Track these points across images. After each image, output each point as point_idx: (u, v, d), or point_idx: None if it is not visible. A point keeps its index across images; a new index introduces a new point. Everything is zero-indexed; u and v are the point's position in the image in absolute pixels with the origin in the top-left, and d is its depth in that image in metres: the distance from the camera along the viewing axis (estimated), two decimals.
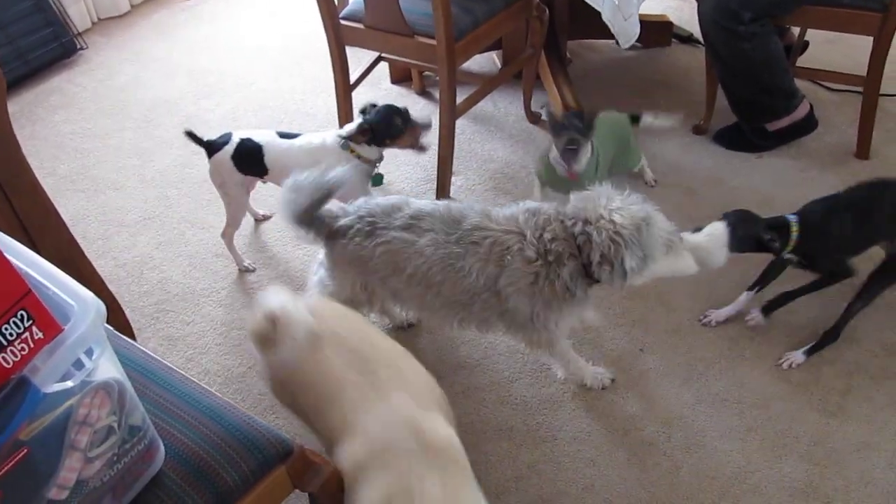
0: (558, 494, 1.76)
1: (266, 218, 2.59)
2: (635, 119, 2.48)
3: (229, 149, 2.21)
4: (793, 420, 1.88)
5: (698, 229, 1.87)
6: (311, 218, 1.77)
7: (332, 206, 1.83)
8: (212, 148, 2.22)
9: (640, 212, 1.68)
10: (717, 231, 1.85)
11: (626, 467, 1.80)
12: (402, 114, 2.16)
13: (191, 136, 2.21)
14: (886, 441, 1.81)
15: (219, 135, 2.24)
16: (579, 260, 1.68)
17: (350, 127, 2.18)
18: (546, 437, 1.88)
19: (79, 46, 3.70)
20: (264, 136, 2.23)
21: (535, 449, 1.86)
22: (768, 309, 2.09)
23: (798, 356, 2.00)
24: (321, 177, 1.73)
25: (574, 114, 2.28)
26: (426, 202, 1.81)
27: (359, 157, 2.18)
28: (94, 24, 3.97)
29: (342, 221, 1.78)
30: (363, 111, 2.20)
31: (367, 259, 1.75)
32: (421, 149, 2.24)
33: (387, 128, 2.15)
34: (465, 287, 1.72)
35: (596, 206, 1.68)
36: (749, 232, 1.92)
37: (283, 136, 2.24)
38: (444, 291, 1.74)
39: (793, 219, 1.96)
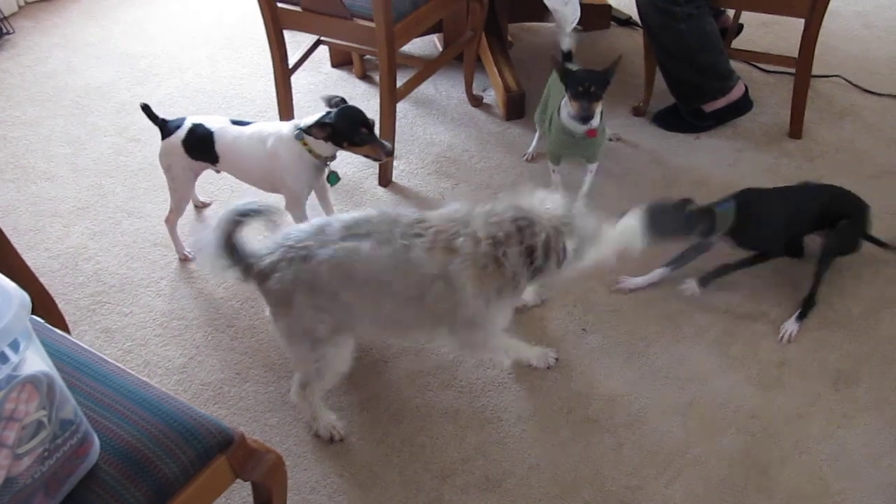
0: (505, 475, 1.77)
1: (205, 205, 2.54)
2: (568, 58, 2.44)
3: (181, 133, 2.15)
4: (731, 394, 1.92)
5: (623, 214, 1.91)
6: (230, 250, 1.70)
7: (257, 246, 1.75)
8: (166, 129, 2.17)
9: (569, 207, 1.76)
10: (629, 227, 1.89)
11: (570, 445, 1.83)
12: (370, 126, 2.06)
13: (147, 111, 2.17)
14: (819, 412, 1.87)
15: (173, 118, 2.20)
16: (525, 245, 1.69)
17: (309, 119, 2.07)
18: (491, 418, 1.89)
19: (5, 31, 3.56)
20: (217, 123, 2.17)
21: (480, 430, 1.87)
22: (705, 280, 2.14)
23: (793, 325, 2.07)
24: (233, 207, 1.67)
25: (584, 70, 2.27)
26: (347, 215, 1.77)
27: (310, 151, 2.09)
28: (20, 7, 3.82)
29: (268, 259, 1.70)
30: (329, 102, 2.10)
31: (311, 281, 1.67)
32: (376, 160, 2.16)
33: (350, 133, 2.04)
34: (417, 278, 1.68)
35: (528, 201, 1.74)
36: (672, 226, 2.01)
37: (235, 123, 2.19)
38: (396, 289, 1.69)
39: (724, 207, 2.06)
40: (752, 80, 2.95)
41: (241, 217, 1.68)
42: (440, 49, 3.21)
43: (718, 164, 2.64)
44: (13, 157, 2.84)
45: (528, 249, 1.70)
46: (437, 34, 3.25)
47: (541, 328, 2.10)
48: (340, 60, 3.25)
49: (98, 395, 1.21)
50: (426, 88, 3.06)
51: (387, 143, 2.08)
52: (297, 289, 1.68)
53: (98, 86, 3.22)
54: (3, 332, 0.87)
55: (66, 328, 1.85)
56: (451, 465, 1.80)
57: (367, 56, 3.13)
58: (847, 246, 2.17)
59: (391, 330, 1.86)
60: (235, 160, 2.19)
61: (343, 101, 2.08)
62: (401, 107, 2.57)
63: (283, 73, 2.64)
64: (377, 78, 3.00)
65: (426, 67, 2.68)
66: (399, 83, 2.50)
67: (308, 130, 2.04)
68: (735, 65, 2.76)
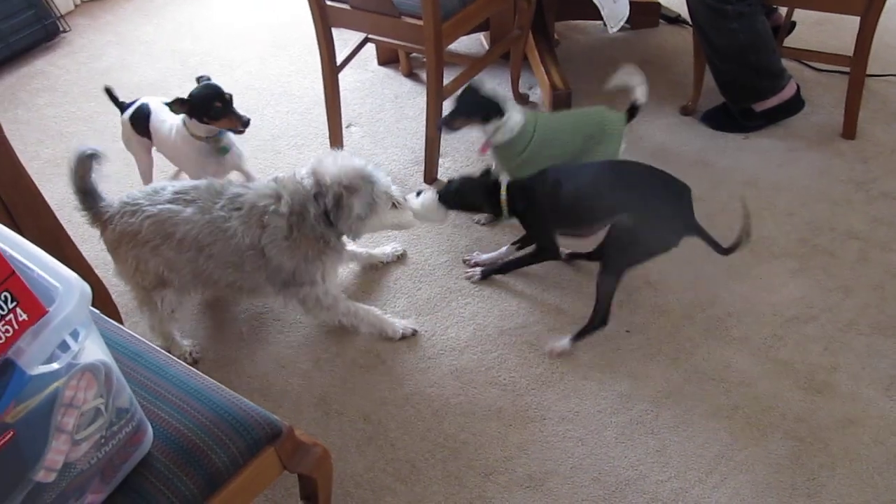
0: (548, 474, 1.77)
1: None
2: (632, 114, 2.25)
3: (130, 111, 2.41)
4: (778, 398, 1.89)
5: (419, 193, 2.12)
6: (84, 195, 1.89)
7: (113, 199, 1.94)
8: (122, 109, 2.45)
9: (363, 167, 1.95)
10: (427, 201, 2.10)
11: (614, 446, 1.82)
12: (225, 99, 2.19)
13: (108, 94, 2.45)
14: (871, 418, 1.83)
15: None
16: (321, 204, 1.89)
17: (171, 99, 2.21)
18: (535, 417, 1.89)
19: (62, 29, 3.66)
20: (155, 106, 2.38)
21: (523, 429, 1.87)
22: (487, 273, 2.25)
23: (564, 343, 2.02)
24: (80, 148, 1.86)
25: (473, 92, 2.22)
26: (189, 181, 1.98)
27: (191, 133, 2.25)
28: (76, 6, 3.92)
29: (109, 211, 1.90)
30: (198, 80, 2.25)
31: (135, 232, 1.87)
32: (238, 132, 2.27)
33: (204, 107, 2.18)
34: (233, 247, 1.87)
35: (325, 164, 1.92)
36: (468, 199, 2.11)
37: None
38: (214, 253, 1.88)
39: (504, 180, 2.08)
40: (803, 78, 2.90)
41: (88, 158, 1.86)
42: (487, 47, 3.21)
43: (768, 165, 2.60)
44: (69, 151, 2.89)
45: (324, 214, 1.90)
46: (483, 32, 3.25)
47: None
48: (387, 58, 3.26)
49: (151, 384, 1.24)
50: None
51: (244, 115, 2.22)
52: (122, 240, 1.89)
53: (150, 82, 3.28)
54: (64, 321, 0.90)
55: (119, 319, 1.90)
56: (494, 462, 1.80)
57: (414, 54, 3.14)
58: (637, 251, 1.93)
59: (213, 287, 2.01)
60: (158, 141, 2.41)
61: (208, 78, 2.24)
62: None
63: (331, 70, 2.67)
64: (423, 76, 3.01)
65: (473, 65, 2.68)
66: (445, 81, 2.50)
67: (170, 105, 2.18)
68: (787, 63, 2.71)
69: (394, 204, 2.02)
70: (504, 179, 2.08)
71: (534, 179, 2.04)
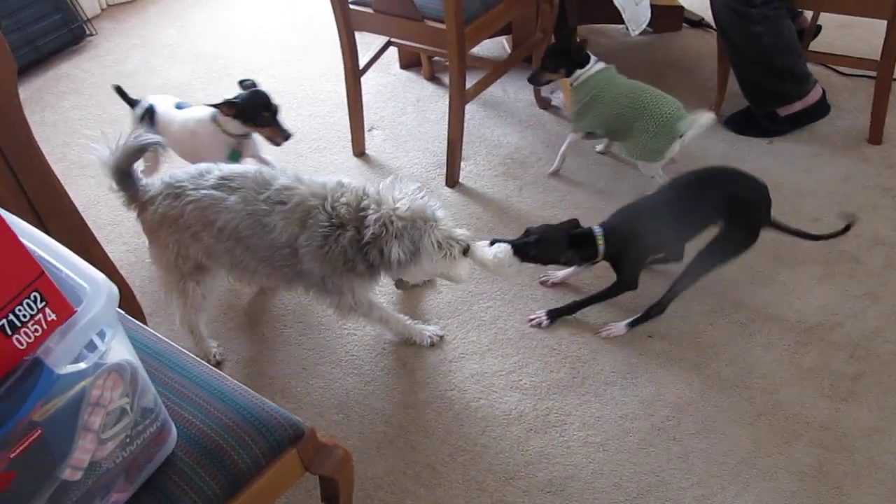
0: (568, 479, 1.76)
1: None
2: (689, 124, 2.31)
3: (139, 110, 2.40)
4: (803, 405, 1.87)
5: (494, 242, 1.99)
6: (123, 176, 1.83)
7: (154, 179, 1.90)
8: (132, 107, 2.43)
9: (423, 209, 1.79)
10: (500, 253, 1.96)
11: (635, 452, 1.80)
12: (272, 110, 2.23)
13: (119, 91, 2.43)
14: None
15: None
16: (360, 235, 1.78)
17: (220, 100, 2.24)
18: (556, 422, 1.88)
19: (88, 32, 3.70)
20: (162, 105, 2.39)
21: (544, 434, 1.86)
22: (554, 314, 2.12)
23: (620, 328, 2.04)
24: (132, 137, 1.79)
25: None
26: (238, 166, 1.91)
27: (223, 130, 2.26)
28: (102, 10, 3.97)
29: (150, 192, 1.85)
30: (242, 84, 2.27)
31: (177, 217, 1.82)
32: (275, 144, 2.29)
33: (251, 114, 2.22)
34: (268, 242, 1.80)
35: (392, 193, 1.80)
36: (544, 253, 2.02)
37: (178, 107, 2.38)
38: (251, 245, 1.82)
39: (598, 231, 2.02)
40: (829, 83, 2.87)
41: (141, 147, 1.80)
42: (509, 51, 3.21)
43: (792, 170, 2.57)
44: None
45: (360, 239, 1.78)
46: (505, 36, 3.25)
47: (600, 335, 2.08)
48: (409, 62, 3.27)
49: (175, 385, 1.25)
50: (494, 90, 3.06)
51: (287, 129, 2.25)
52: (164, 223, 1.84)
53: (175, 85, 3.31)
54: (92, 321, 0.91)
55: (143, 320, 1.91)
56: (515, 467, 1.79)
57: (436, 58, 3.15)
58: (729, 253, 2.02)
59: (251, 277, 1.96)
60: (170, 138, 2.37)
61: (254, 84, 2.25)
62: (469, 108, 2.58)
63: (354, 74, 2.68)
64: (445, 79, 3.02)
65: (495, 69, 2.68)
66: (468, 85, 2.50)
67: (218, 106, 2.21)
68: (812, 67, 2.68)
69: (450, 251, 1.84)
70: (597, 227, 2.02)
71: (621, 219, 2.05)
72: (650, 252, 2.12)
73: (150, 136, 1.81)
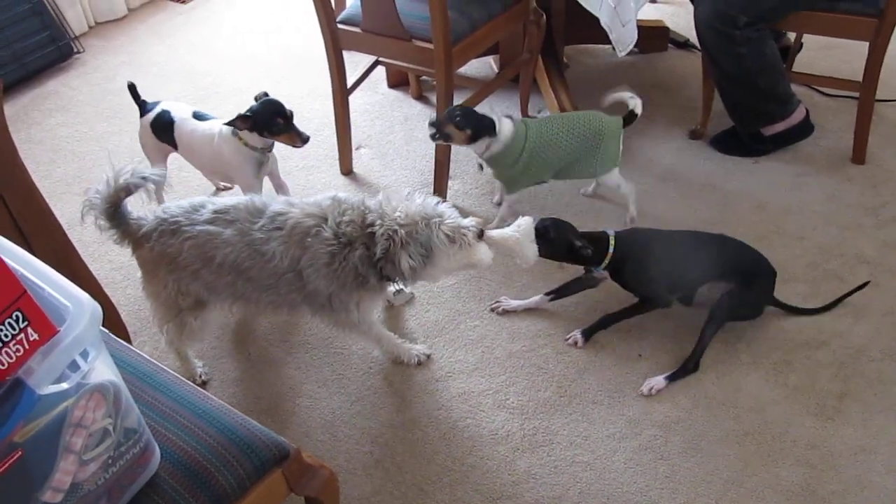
0: (556, 499, 1.75)
1: (227, 189, 2.74)
2: (631, 119, 2.35)
3: (150, 116, 2.41)
4: (789, 424, 1.87)
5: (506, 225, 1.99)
6: (112, 213, 1.80)
7: (146, 213, 1.87)
8: (143, 110, 2.44)
9: (423, 209, 1.79)
10: (524, 224, 1.93)
11: (623, 472, 1.80)
12: (286, 116, 2.25)
13: (132, 91, 2.45)
14: (883, 445, 1.81)
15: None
16: (371, 250, 1.78)
17: (234, 116, 2.24)
18: (543, 441, 1.88)
19: (75, 50, 3.69)
20: (180, 113, 2.39)
21: (531, 454, 1.85)
22: (588, 332, 2.11)
23: (659, 381, 1.98)
24: (116, 175, 1.77)
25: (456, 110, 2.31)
26: (230, 199, 1.89)
27: (245, 144, 2.27)
28: (90, 27, 3.96)
29: (145, 228, 1.82)
30: (256, 98, 2.28)
31: (175, 255, 1.80)
32: (294, 147, 2.33)
33: (266, 122, 2.23)
34: (270, 270, 1.78)
35: (392, 203, 1.81)
36: (563, 237, 1.99)
37: (197, 116, 2.38)
38: (253, 276, 1.80)
39: (611, 233, 2.02)
40: (813, 103, 2.90)
41: (135, 183, 1.78)
42: (496, 70, 3.23)
43: (777, 189, 2.59)
44: (81, 171, 2.93)
45: (371, 254, 1.78)
46: (493, 56, 3.27)
47: (597, 352, 2.08)
48: (397, 81, 3.28)
49: (159, 405, 1.24)
50: (482, 109, 3.06)
51: (303, 132, 2.28)
52: (161, 262, 1.82)
53: None
54: (75, 341, 0.90)
55: (127, 338, 1.90)
56: (502, 487, 1.78)
57: (424, 77, 3.16)
58: (741, 312, 2.07)
59: (255, 308, 1.96)
60: (189, 150, 2.42)
61: (266, 94, 2.28)
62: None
63: (342, 92, 2.68)
64: (433, 98, 3.03)
65: (482, 89, 2.69)
66: (455, 104, 2.51)
67: (232, 122, 2.22)
68: (796, 88, 2.71)
69: (464, 239, 1.82)
70: (611, 230, 2.04)
71: (634, 233, 2.08)
72: (660, 276, 2.07)
73: (149, 172, 1.80)
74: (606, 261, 2.02)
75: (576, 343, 2.09)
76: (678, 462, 1.81)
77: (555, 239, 1.99)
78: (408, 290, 2.23)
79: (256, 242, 1.77)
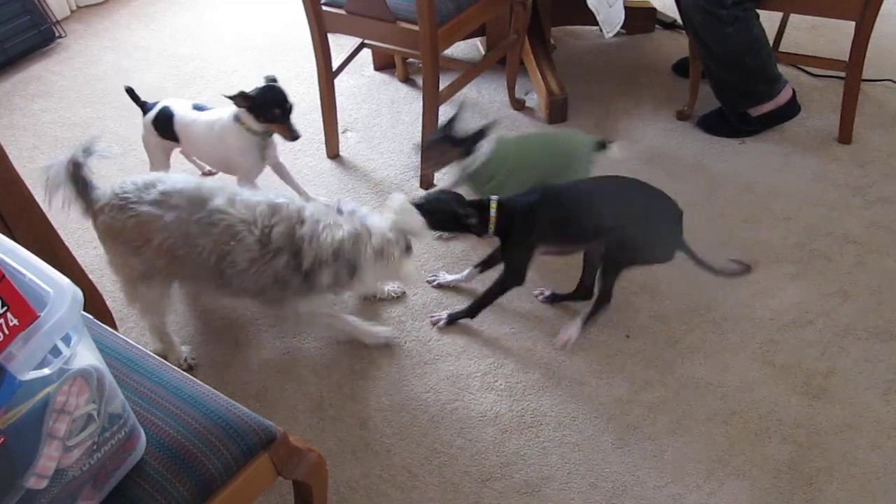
0: (545, 480, 1.76)
1: (212, 174, 2.71)
2: (602, 145, 2.26)
3: (152, 114, 2.39)
4: (776, 403, 1.89)
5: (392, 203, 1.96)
6: (77, 182, 1.85)
7: (113, 184, 1.90)
8: (145, 109, 2.42)
9: (345, 231, 1.85)
10: (395, 203, 1.92)
11: (611, 451, 1.81)
12: (285, 108, 2.24)
13: (130, 93, 2.41)
14: (869, 423, 1.83)
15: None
16: (298, 259, 1.83)
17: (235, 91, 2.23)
18: (531, 422, 1.88)
19: (57, 35, 3.65)
20: (179, 107, 2.38)
21: (520, 435, 1.86)
22: (454, 319, 2.13)
23: (574, 329, 2.02)
24: (77, 149, 1.84)
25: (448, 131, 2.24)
26: (182, 178, 1.91)
27: (247, 129, 2.27)
28: (72, 11, 3.92)
29: (101, 201, 1.87)
30: (266, 79, 2.27)
31: (120, 230, 1.85)
32: (286, 139, 2.31)
33: (263, 109, 2.23)
34: (201, 263, 1.84)
35: (324, 218, 1.86)
36: (445, 207, 1.99)
37: (197, 108, 2.38)
38: (186, 264, 1.86)
39: (494, 198, 2.00)
40: (799, 83, 2.90)
41: (87, 151, 1.84)
42: (483, 52, 3.21)
43: (764, 169, 2.60)
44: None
45: (298, 263, 1.84)
46: (480, 37, 3.25)
47: (584, 331, 2.08)
48: (383, 63, 3.26)
49: (144, 390, 1.23)
50: (469, 91, 3.06)
51: (296, 130, 2.27)
52: (108, 234, 1.89)
53: (147, 88, 3.26)
54: (56, 326, 0.89)
55: (113, 324, 1.89)
56: (491, 468, 1.79)
57: (410, 59, 3.14)
58: (638, 256, 2.00)
59: (196, 290, 2.04)
60: (191, 142, 2.42)
61: (274, 79, 2.27)
62: (443, 109, 2.57)
63: (328, 76, 2.66)
64: (420, 81, 3.01)
65: (469, 71, 2.68)
66: (442, 86, 2.50)
67: (233, 97, 2.20)
68: (783, 68, 2.71)
69: (391, 256, 1.89)
70: (493, 197, 2.00)
71: (523, 197, 2.00)
72: (550, 237, 2.03)
73: (97, 148, 1.85)
74: (492, 226, 1.99)
75: (437, 323, 2.13)
76: (666, 441, 1.82)
77: (436, 210, 1.98)
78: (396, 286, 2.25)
79: (191, 234, 1.82)
